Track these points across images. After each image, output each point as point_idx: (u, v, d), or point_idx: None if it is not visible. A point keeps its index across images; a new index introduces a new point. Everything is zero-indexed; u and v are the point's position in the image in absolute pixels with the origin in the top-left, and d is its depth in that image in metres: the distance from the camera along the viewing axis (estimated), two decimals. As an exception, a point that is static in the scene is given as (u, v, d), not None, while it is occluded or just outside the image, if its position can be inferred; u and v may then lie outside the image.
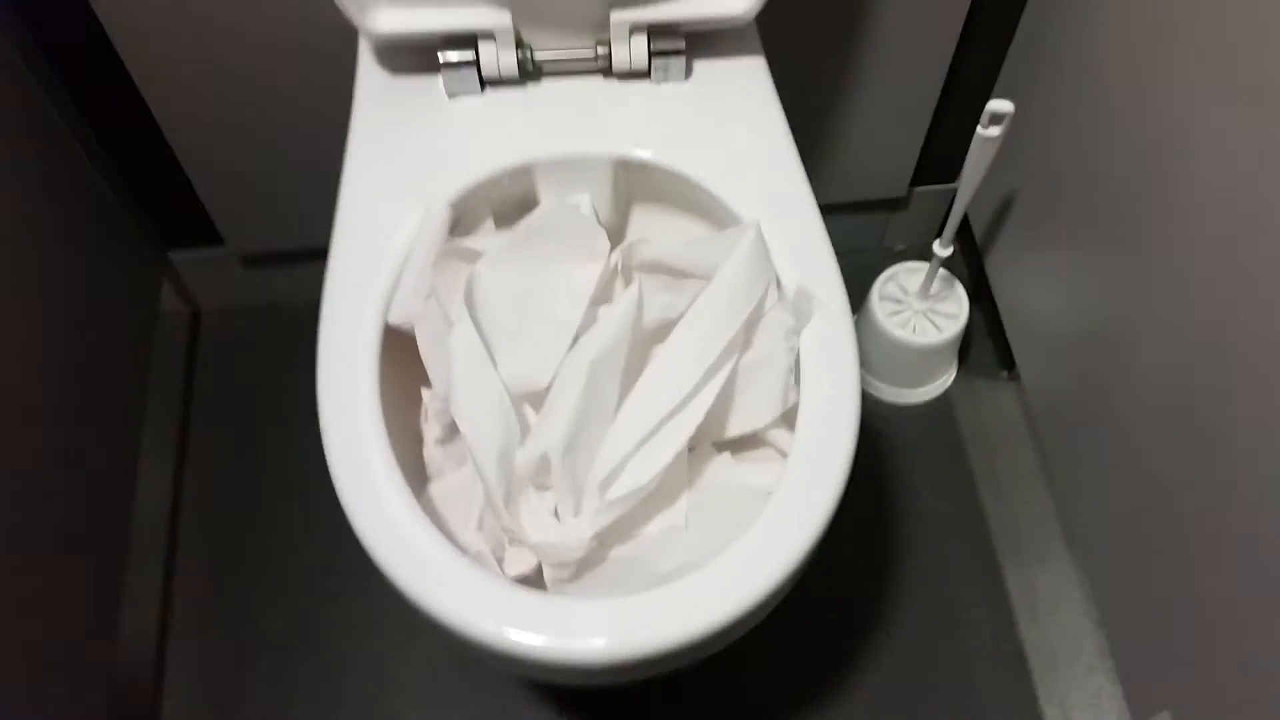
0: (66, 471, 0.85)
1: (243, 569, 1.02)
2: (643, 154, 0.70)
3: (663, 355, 0.64)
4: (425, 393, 0.68)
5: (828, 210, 0.68)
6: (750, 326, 0.62)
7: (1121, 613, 0.87)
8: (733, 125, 0.72)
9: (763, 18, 0.72)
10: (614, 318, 0.63)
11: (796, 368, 0.62)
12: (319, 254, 0.69)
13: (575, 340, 0.65)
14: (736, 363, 0.62)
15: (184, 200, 1.01)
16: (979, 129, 0.83)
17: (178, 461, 1.08)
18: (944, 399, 1.13)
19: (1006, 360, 1.12)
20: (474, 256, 0.66)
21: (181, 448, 1.09)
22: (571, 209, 0.68)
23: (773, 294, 0.63)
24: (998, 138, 0.83)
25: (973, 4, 0.93)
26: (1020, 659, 0.97)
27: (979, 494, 1.07)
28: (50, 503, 0.82)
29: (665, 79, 0.73)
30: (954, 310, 1.07)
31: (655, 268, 0.66)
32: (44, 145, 0.88)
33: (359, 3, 0.67)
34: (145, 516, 1.00)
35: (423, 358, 0.63)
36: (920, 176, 1.14)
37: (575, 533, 0.58)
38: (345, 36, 0.73)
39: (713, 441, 0.65)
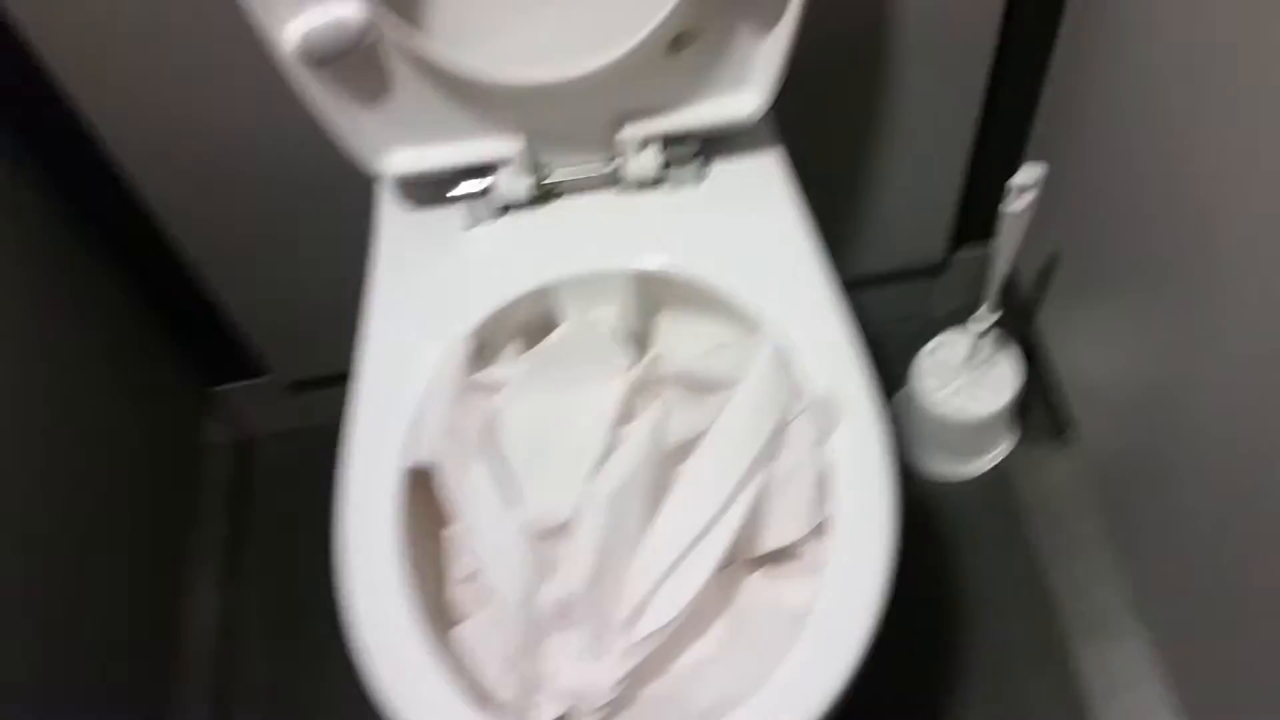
0: (109, 609, 0.85)
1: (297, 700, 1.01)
2: (660, 266, 0.70)
3: (686, 479, 0.63)
4: (447, 532, 0.67)
5: (867, 282, 0.66)
6: (775, 441, 0.61)
7: (1201, 694, 0.81)
8: (750, 227, 0.71)
9: (777, 105, 0.72)
10: (634, 444, 0.62)
11: (828, 479, 0.60)
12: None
13: (598, 465, 0.63)
14: (763, 479, 0.60)
15: (225, 336, 1.04)
16: (1004, 206, 0.81)
17: (226, 591, 1.07)
18: (1000, 469, 1.09)
19: (1063, 422, 1.07)
20: (495, 388, 0.66)
21: (231, 578, 1.08)
22: (590, 328, 0.68)
23: (795, 407, 0.61)
24: (1026, 210, 0.81)
25: (995, 62, 0.91)
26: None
27: (1043, 568, 1.02)
28: (93, 652, 0.81)
29: (680, 185, 0.73)
30: (1006, 375, 1.03)
31: (678, 381, 0.66)
32: (79, 291, 0.91)
33: (370, 150, 0.68)
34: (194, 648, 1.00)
35: (446, 497, 0.62)
36: (961, 238, 1.12)
37: (605, 675, 0.57)
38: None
39: (743, 559, 0.63)
